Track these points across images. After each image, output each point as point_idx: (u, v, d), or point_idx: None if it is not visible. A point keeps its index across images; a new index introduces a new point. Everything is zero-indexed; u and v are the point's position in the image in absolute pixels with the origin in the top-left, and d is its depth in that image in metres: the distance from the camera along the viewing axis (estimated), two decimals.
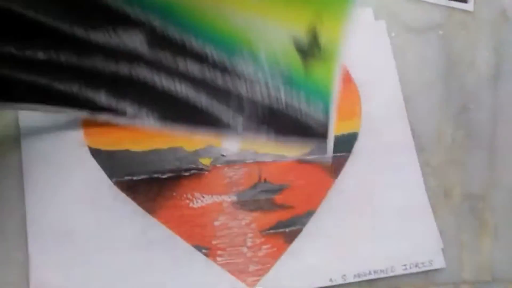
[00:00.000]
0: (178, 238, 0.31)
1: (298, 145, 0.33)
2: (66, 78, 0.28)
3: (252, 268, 0.31)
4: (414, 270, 0.33)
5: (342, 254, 0.32)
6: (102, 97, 0.29)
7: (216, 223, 0.31)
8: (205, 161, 0.33)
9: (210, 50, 0.30)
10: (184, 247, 0.31)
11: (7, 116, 0.32)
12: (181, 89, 0.30)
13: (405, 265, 0.33)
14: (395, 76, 0.38)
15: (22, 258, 0.29)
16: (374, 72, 0.37)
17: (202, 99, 0.31)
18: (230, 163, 0.33)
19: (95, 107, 0.29)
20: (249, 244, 0.31)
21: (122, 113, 0.29)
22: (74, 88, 0.28)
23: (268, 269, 0.31)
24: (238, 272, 0.31)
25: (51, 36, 0.27)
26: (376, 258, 0.32)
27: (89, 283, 0.29)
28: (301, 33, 0.33)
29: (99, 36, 0.28)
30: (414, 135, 0.36)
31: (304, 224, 0.32)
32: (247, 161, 0.33)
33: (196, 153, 0.33)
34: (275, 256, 0.31)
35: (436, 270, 0.33)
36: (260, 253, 0.31)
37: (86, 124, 0.32)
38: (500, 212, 0.37)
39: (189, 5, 0.30)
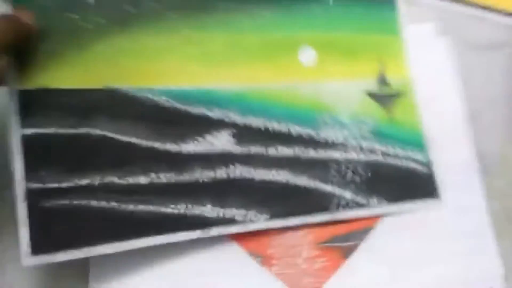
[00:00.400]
0: (234, 244, 0.31)
1: (410, 206, 0.33)
2: (172, 199, 0.27)
3: (306, 280, 0.31)
4: None
5: (398, 273, 0.32)
6: (208, 210, 0.28)
7: (272, 232, 0.31)
8: None
9: (295, 128, 0.31)
10: (239, 253, 0.31)
11: None
12: (280, 177, 0.30)
13: None
14: (460, 93, 0.37)
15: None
16: (439, 88, 0.37)
17: (304, 181, 0.31)
18: None
19: (204, 223, 0.28)
20: (304, 255, 0.31)
21: (233, 221, 0.29)
22: (180, 208, 0.28)
23: (323, 282, 0.31)
24: (292, 283, 0.31)
25: (147, 157, 0.27)
26: (432, 280, 0.32)
27: (144, 284, 0.30)
28: (370, 82, 0.34)
29: (190, 146, 0.28)
30: (478, 156, 0.35)
31: (361, 240, 0.32)
32: None
33: None
34: (331, 270, 0.31)
35: None
36: (316, 266, 0.31)
37: None
38: None
39: (261, 92, 0.30)
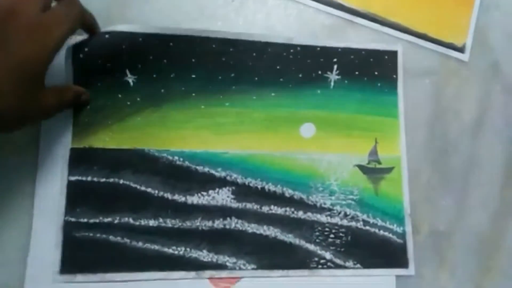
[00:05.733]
0: None
1: (381, 272, 0.36)
2: (174, 242, 0.34)
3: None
4: None
5: None
6: (204, 255, 0.34)
7: None
8: None
9: (288, 191, 0.36)
10: None
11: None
12: (270, 232, 0.35)
13: None
14: None
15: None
16: None
17: (290, 238, 0.35)
18: None
19: (199, 266, 0.34)
20: None
21: (223, 267, 0.34)
22: (180, 250, 0.34)
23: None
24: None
25: (158, 205, 0.34)
26: None
27: None
28: (362, 156, 0.38)
29: (195, 199, 0.34)
30: None
31: None
32: None
33: None
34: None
35: None
36: None
37: None
38: (461, 251, 0.39)
39: (261, 157, 0.36)
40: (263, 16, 0.39)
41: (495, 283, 0.39)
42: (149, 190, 0.34)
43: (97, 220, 0.33)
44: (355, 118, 0.38)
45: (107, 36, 0.34)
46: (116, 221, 0.33)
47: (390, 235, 0.37)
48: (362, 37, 0.40)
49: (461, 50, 0.42)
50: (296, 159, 0.37)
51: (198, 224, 0.34)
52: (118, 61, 0.34)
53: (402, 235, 0.37)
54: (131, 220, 0.33)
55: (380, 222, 0.37)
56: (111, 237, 0.33)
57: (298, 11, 0.40)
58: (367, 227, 0.37)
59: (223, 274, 0.34)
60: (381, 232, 0.37)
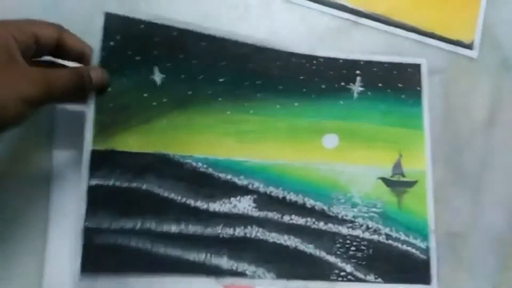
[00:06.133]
0: None
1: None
2: (195, 248, 0.33)
3: None
4: None
5: None
6: (224, 262, 0.33)
7: None
8: None
9: (310, 202, 0.36)
10: None
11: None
12: (290, 242, 0.35)
13: None
14: None
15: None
16: None
17: (310, 249, 0.35)
18: None
19: (219, 272, 0.33)
20: None
21: (243, 275, 0.33)
22: (201, 256, 0.33)
23: None
24: None
25: (181, 211, 0.33)
26: None
27: None
28: (386, 169, 0.38)
29: (217, 206, 0.34)
30: None
31: None
32: None
33: None
34: None
35: None
36: None
37: None
38: (478, 251, 0.38)
39: (283, 167, 0.36)
40: (267, 21, 0.39)
41: None
42: (172, 196, 0.33)
43: (119, 226, 0.32)
44: (379, 130, 0.38)
45: (142, 26, 0.33)
46: (138, 227, 0.32)
47: (413, 250, 0.36)
48: (368, 38, 0.40)
49: (469, 47, 0.41)
50: (318, 169, 0.36)
51: (219, 231, 0.34)
52: (148, 55, 0.33)
53: (426, 251, 0.37)
54: (153, 226, 0.32)
55: (403, 237, 0.36)
56: (133, 243, 0.32)
57: (302, 14, 0.40)
58: (390, 241, 0.36)
59: (243, 282, 0.33)
60: (404, 246, 0.36)
